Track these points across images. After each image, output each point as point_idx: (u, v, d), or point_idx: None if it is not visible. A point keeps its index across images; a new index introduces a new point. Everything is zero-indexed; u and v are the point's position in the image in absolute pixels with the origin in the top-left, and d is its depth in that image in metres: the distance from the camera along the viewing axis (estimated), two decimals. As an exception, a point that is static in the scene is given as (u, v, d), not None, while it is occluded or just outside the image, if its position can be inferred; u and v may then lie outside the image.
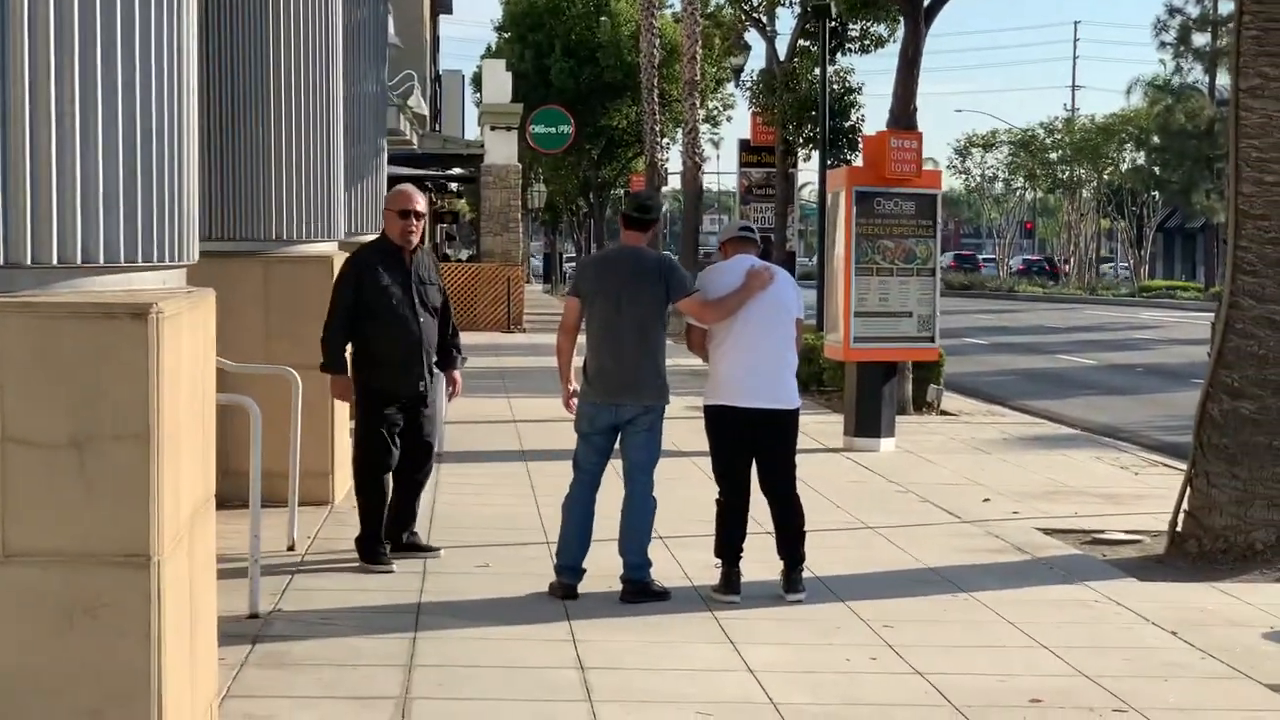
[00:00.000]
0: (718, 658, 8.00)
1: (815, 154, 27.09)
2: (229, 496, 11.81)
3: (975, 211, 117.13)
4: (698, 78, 37.32)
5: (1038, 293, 72.33)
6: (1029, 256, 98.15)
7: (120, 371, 5.27)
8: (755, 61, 38.32)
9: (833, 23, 25.75)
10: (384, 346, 9.88)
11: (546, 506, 11.72)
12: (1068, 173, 75.75)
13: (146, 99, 5.52)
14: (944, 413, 20.27)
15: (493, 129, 41.04)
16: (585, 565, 9.32)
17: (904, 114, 19.70)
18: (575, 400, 9.37)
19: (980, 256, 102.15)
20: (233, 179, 11.85)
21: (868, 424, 16.53)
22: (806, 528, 11.49)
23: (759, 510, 9.60)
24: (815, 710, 7.12)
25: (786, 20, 32.37)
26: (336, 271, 12.37)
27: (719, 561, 9.39)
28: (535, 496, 12.74)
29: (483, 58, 58.03)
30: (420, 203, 10.11)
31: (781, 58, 30.45)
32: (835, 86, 28.70)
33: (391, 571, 9.80)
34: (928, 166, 19.48)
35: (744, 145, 30.64)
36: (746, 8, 32.84)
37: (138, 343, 5.27)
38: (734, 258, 9.58)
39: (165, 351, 5.39)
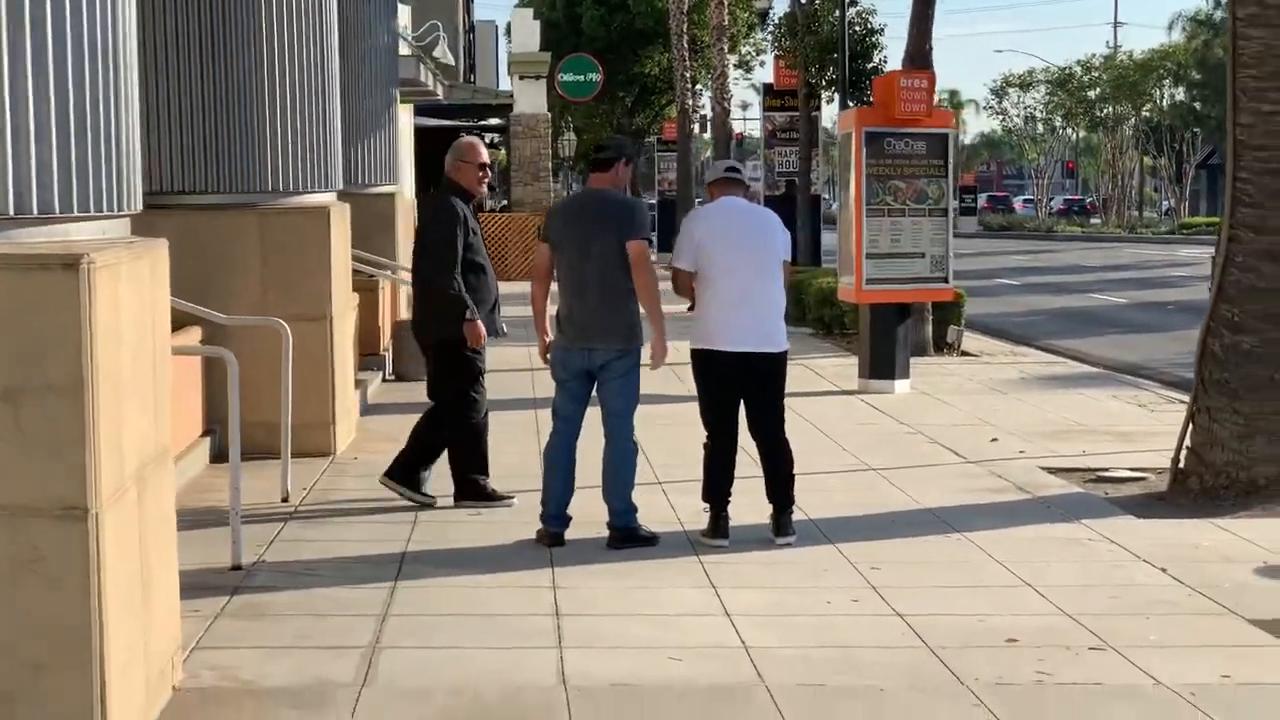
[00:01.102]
0: (697, 602, 7.94)
1: (839, 96, 26.89)
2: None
3: (1017, 152, 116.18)
4: (726, 22, 37.08)
5: (1076, 232, 71.85)
6: (1070, 196, 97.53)
7: (52, 323, 5.24)
8: (782, 5, 38.02)
9: (853, -38, 25.51)
10: (481, 290, 10.17)
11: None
12: (1106, 110, 75.09)
13: (79, 46, 5.47)
14: (965, 353, 20.14)
15: (521, 78, 40.83)
16: (572, 512, 9.29)
17: (919, 53, 19.47)
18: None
19: (1021, 198, 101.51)
20: (226, 130, 11.78)
21: (882, 366, 16.43)
22: (809, 470, 11.45)
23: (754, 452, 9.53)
24: (787, 653, 7.06)
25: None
26: (333, 222, 12.35)
27: (707, 506, 9.32)
28: (540, 445, 12.63)
29: (515, 7, 57.74)
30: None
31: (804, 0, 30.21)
32: (856, 28, 28.47)
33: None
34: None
35: (768, 89, 30.43)
36: (770, -51, 32.60)
37: (69, 294, 5.23)
38: (719, 200, 9.47)
39: (100, 303, 5.34)
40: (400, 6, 24.30)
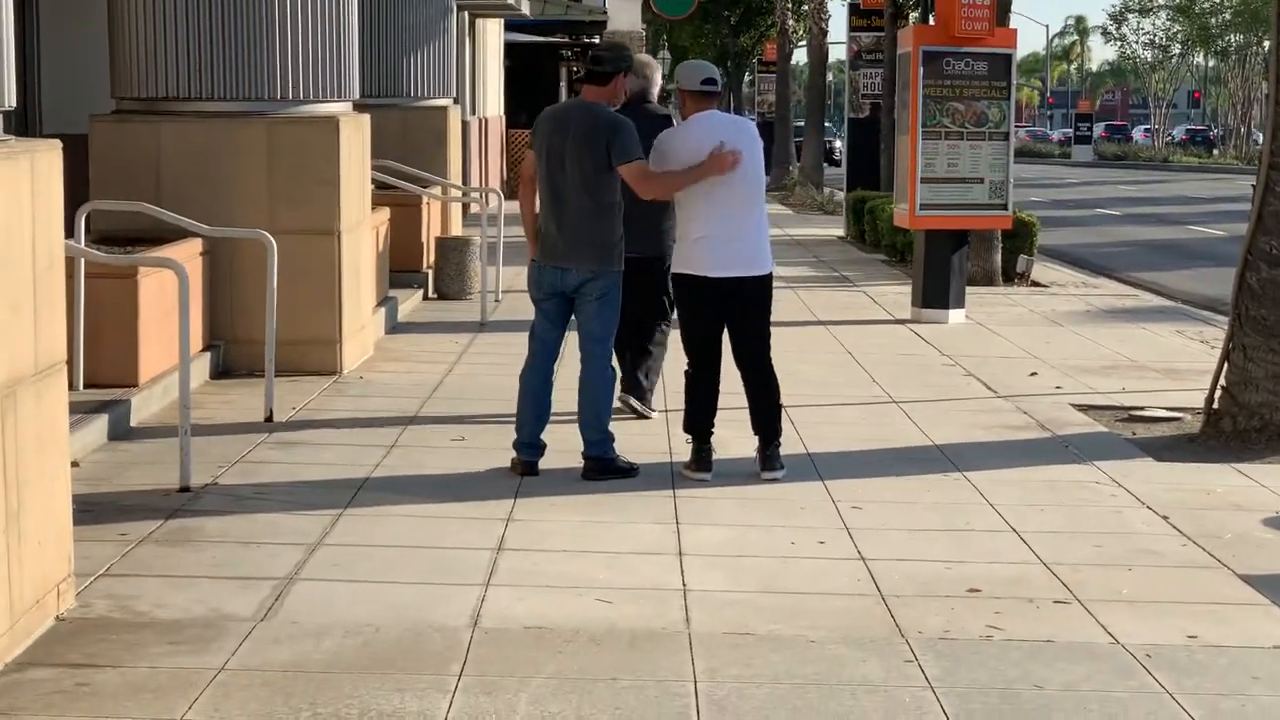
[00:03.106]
0: (652, 540, 7.49)
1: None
2: (234, 365, 11.56)
3: (1143, 81, 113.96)
4: (824, -60, 36.30)
5: (1193, 163, 70.24)
6: (1192, 127, 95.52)
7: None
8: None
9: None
10: None
11: (561, 380, 11.19)
12: (1229, 39, 73.22)
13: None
14: (1035, 283, 19.49)
15: (616, -6, 40.28)
16: (560, 443, 8.88)
17: (994, -30, 18.70)
18: None
19: (1142, 128, 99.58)
20: (234, 35, 11.37)
21: (935, 295, 15.85)
22: (829, 402, 11.02)
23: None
24: (726, 597, 6.60)
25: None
26: (345, 133, 11.93)
27: (690, 437, 8.86)
28: (560, 370, 12.21)
29: (621, -76, 56.92)
30: None
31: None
32: (948, -56, 27.54)
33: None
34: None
35: (854, 8, 29.59)
36: None
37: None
38: (696, 118, 8.80)
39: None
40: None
